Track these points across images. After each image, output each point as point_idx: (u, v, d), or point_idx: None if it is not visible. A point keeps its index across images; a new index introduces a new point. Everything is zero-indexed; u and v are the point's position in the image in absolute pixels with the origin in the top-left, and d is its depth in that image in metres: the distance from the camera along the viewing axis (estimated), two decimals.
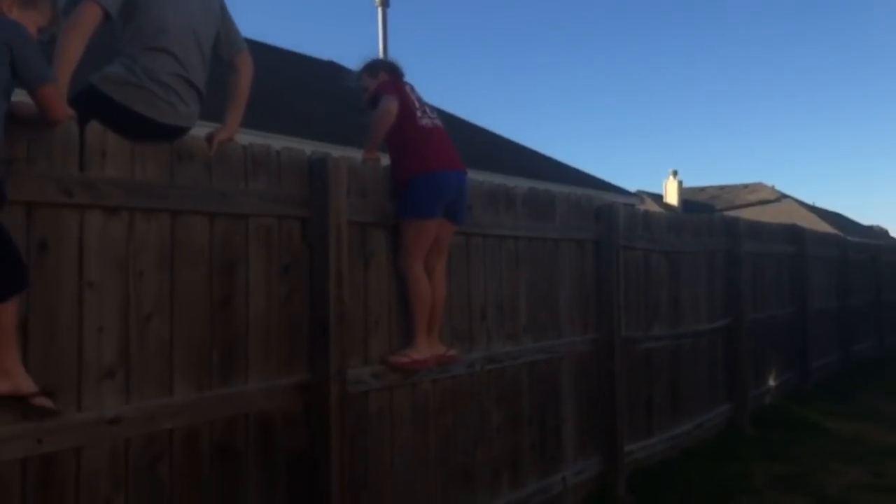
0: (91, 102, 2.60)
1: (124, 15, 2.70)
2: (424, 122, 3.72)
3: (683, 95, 77.18)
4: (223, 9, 3.08)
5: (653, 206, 29.25)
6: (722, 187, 36.33)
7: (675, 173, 34.49)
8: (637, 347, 5.55)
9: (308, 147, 6.83)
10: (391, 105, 3.57)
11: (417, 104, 3.75)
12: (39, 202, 2.32)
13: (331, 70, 14.14)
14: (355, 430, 3.32)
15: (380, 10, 14.22)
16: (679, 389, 6.16)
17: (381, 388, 3.49)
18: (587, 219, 5.10)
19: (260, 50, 12.28)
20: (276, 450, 3.03)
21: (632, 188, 25.22)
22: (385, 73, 3.86)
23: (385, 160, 3.73)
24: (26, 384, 2.22)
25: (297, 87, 10.69)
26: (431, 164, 3.63)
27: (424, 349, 3.62)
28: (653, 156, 79.66)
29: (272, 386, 3.00)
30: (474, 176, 9.31)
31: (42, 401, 2.26)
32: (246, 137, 3.22)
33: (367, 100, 3.84)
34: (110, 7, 2.60)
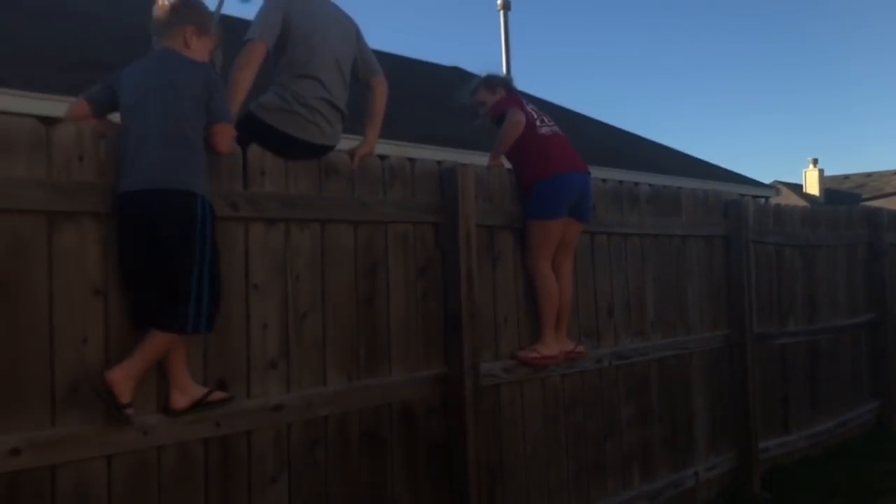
0: (250, 127, 2.95)
1: (278, 48, 3.05)
2: (544, 130, 3.89)
3: (821, 80, 72.73)
4: (359, 35, 3.38)
5: (791, 197, 27.90)
6: (868, 174, 34.03)
7: (815, 162, 32.76)
8: (771, 343, 5.45)
9: (435, 154, 7.17)
10: (519, 117, 3.77)
11: (535, 115, 3.92)
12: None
13: (455, 76, 14.51)
14: (489, 420, 3.53)
15: (501, 13, 14.44)
16: (818, 386, 5.98)
17: (511, 382, 3.68)
18: (715, 215, 5.08)
19: (386, 60, 12.82)
20: (417, 437, 3.29)
21: (768, 179, 24.20)
22: (502, 89, 4.04)
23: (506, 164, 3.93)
24: (198, 390, 2.58)
25: (423, 95, 11.07)
26: (554, 168, 3.79)
27: (553, 345, 3.78)
28: (791, 145, 75.58)
29: (413, 378, 3.27)
30: (601, 173, 9.38)
31: (216, 395, 2.62)
32: (378, 147, 3.50)
33: (483, 113, 4.04)
34: (271, 44, 2.97)
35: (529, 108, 3.95)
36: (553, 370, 3.85)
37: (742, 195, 11.21)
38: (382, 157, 3.33)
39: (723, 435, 4.99)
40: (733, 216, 5.12)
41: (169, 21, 2.65)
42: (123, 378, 2.37)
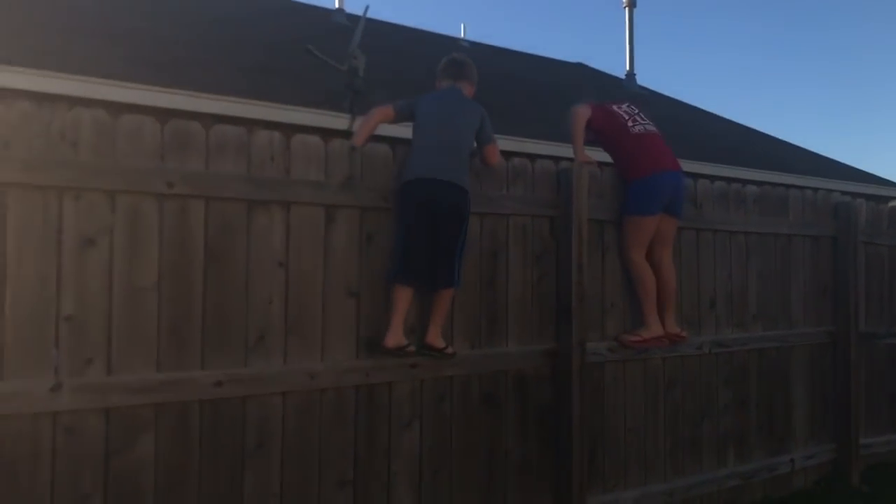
0: None
1: None
2: (636, 129, 4.23)
3: None
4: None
5: None
6: None
7: None
8: (878, 342, 5.58)
9: (556, 150, 7.58)
10: (580, 109, 4.23)
11: (626, 115, 4.27)
12: (369, 206, 3.29)
13: (580, 72, 14.79)
14: (594, 392, 3.99)
15: (627, 10, 14.59)
16: None
17: (615, 361, 4.12)
18: (824, 215, 5.29)
19: (513, 58, 13.30)
20: (528, 402, 3.80)
21: None
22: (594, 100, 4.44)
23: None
24: (437, 341, 3.41)
25: (547, 91, 11.48)
26: (647, 168, 4.13)
27: (655, 328, 4.18)
28: None
29: (526, 350, 3.78)
30: (721, 171, 9.50)
31: (450, 349, 3.45)
32: (502, 143, 3.99)
33: None
34: None
35: (622, 111, 4.30)
36: (654, 352, 4.25)
37: (867, 195, 11.00)
38: (507, 157, 3.84)
39: (823, 427, 5.21)
40: (843, 217, 5.31)
41: (460, 73, 3.76)
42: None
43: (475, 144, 3.58)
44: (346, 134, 6.67)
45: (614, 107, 4.35)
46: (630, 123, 4.25)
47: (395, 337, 3.27)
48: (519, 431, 3.77)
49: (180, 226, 2.86)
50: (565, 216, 3.89)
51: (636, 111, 4.36)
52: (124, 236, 2.76)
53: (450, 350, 3.45)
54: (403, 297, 3.28)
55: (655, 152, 4.21)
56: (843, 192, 9.43)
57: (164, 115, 5.35)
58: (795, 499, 4.89)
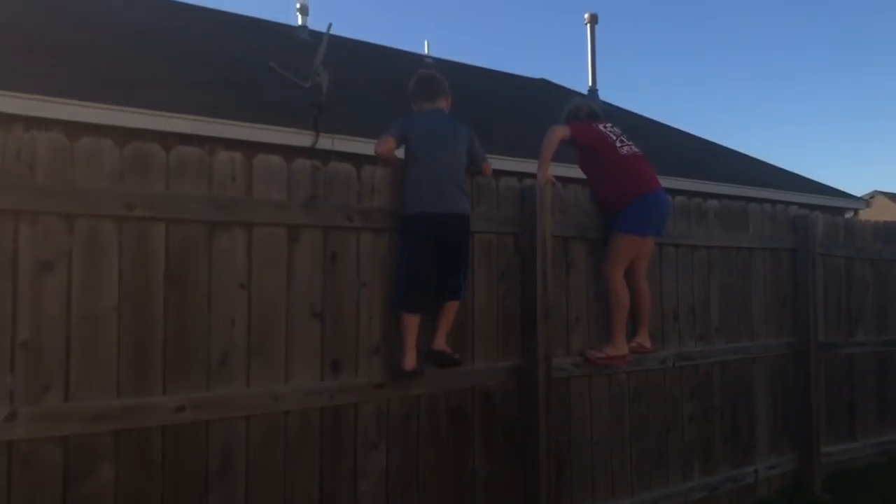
0: None
1: None
2: (624, 150, 4.26)
3: None
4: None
5: (890, 208, 26.93)
6: None
7: None
8: (837, 353, 5.70)
9: (521, 165, 7.63)
10: (558, 130, 4.16)
11: (614, 136, 4.29)
12: (332, 226, 3.27)
13: (543, 88, 14.94)
14: (559, 408, 4.01)
15: (588, 27, 14.79)
16: (888, 396, 6.15)
17: (581, 376, 4.15)
18: (783, 228, 5.39)
19: (476, 74, 13.38)
20: (495, 418, 3.80)
21: (868, 189, 23.46)
22: (574, 119, 4.41)
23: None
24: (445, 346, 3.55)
25: (511, 107, 11.57)
26: (644, 188, 4.19)
27: (620, 347, 4.22)
28: (893, 154, 71.91)
29: (493, 367, 3.79)
30: (684, 185, 9.66)
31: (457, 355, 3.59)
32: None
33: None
34: None
35: (609, 129, 4.32)
36: (619, 367, 4.28)
37: (827, 207, 11.24)
38: (472, 175, 3.85)
39: (785, 437, 5.29)
40: (801, 230, 5.42)
41: (436, 91, 3.80)
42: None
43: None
44: (310, 152, 6.66)
45: (601, 126, 4.35)
46: (618, 144, 4.27)
47: (412, 360, 3.40)
48: (486, 448, 3.77)
49: (140, 248, 2.82)
50: (530, 233, 3.91)
51: (620, 132, 4.39)
52: (83, 260, 2.71)
53: (457, 355, 3.58)
54: (413, 323, 3.42)
55: (648, 173, 4.28)
56: (803, 205, 9.65)
57: (123, 134, 5.30)
58: None
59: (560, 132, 4.19)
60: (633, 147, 4.35)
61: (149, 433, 2.80)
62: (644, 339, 4.35)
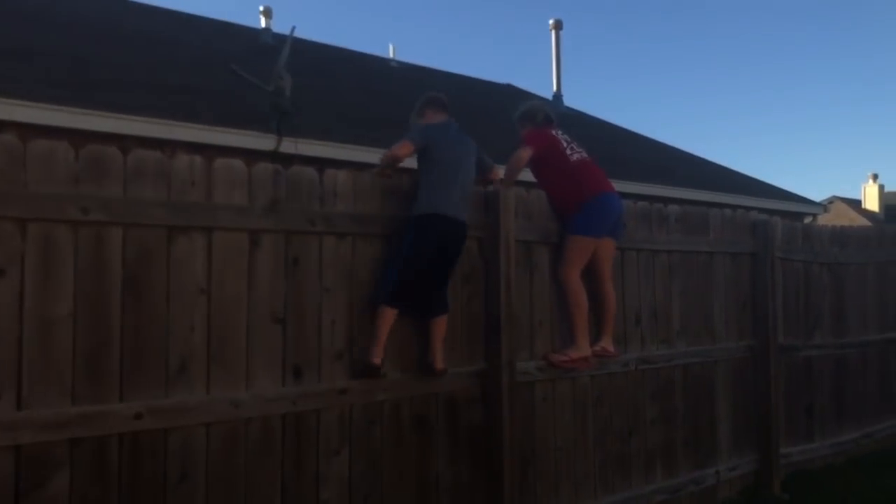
0: None
1: None
2: (574, 157, 4.35)
3: (882, 93, 70.81)
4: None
5: (849, 214, 27.56)
6: None
7: (875, 177, 32.23)
8: (796, 355, 5.80)
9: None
10: (523, 153, 4.28)
11: (565, 143, 4.38)
12: (294, 230, 3.24)
13: (509, 93, 15.01)
14: (524, 412, 4.01)
15: (553, 33, 14.91)
16: (845, 398, 6.28)
17: (544, 380, 4.16)
18: (743, 233, 5.48)
19: (442, 79, 13.39)
20: (459, 424, 3.80)
21: (826, 195, 23.99)
22: (529, 123, 4.53)
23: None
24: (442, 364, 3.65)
25: (478, 112, 11.60)
26: (594, 189, 4.27)
27: (584, 349, 4.24)
28: (851, 160, 73.72)
29: (457, 372, 3.78)
30: (646, 190, 9.76)
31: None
32: None
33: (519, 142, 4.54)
34: None
35: (560, 136, 4.40)
36: (582, 371, 4.30)
37: (787, 212, 11.46)
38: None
39: (745, 438, 5.36)
40: (760, 234, 5.51)
41: (445, 106, 4.03)
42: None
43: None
44: (273, 156, 6.60)
45: (552, 132, 4.43)
46: (569, 151, 4.37)
47: (380, 354, 3.43)
48: (450, 454, 3.76)
49: (96, 253, 2.77)
50: (493, 237, 3.92)
51: (569, 139, 4.48)
52: (36, 265, 2.65)
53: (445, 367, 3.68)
54: (390, 318, 3.44)
55: (598, 176, 4.37)
56: (763, 210, 9.78)
57: (81, 137, 5.19)
58: None
59: (525, 155, 4.28)
60: (583, 154, 4.44)
61: (105, 441, 2.74)
62: (607, 344, 4.38)
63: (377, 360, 3.41)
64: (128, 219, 2.82)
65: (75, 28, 9.02)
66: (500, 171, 4.12)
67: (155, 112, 6.40)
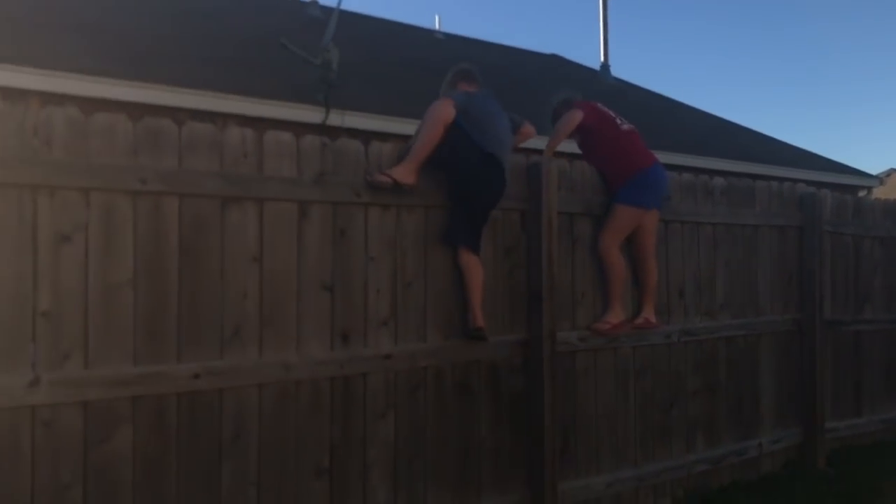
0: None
1: None
2: (625, 127, 4.41)
3: None
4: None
5: None
6: None
7: None
8: (843, 330, 5.74)
9: (532, 142, 7.64)
10: (575, 115, 4.32)
11: (613, 114, 4.44)
12: (341, 201, 3.34)
13: (554, 63, 14.88)
14: (565, 381, 4.08)
15: (601, 2, 14.68)
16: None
17: (586, 350, 4.22)
18: (790, 206, 5.41)
19: (487, 50, 13.34)
20: (501, 391, 3.88)
21: (884, 167, 23.22)
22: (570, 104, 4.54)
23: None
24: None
25: (522, 83, 11.54)
26: (645, 161, 4.33)
27: (620, 314, 4.28)
28: None
29: (499, 341, 3.86)
30: (695, 162, 9.62)
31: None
32: None
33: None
34: None
35: (608, 109, 4.45)
36: (624, 341, 4.35)
37: (840, 185, 11.20)
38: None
39: (789, 412, 5.35)
40: (808, 208, 5.44)
41: (477, 78, 4.14)
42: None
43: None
44: (320, 128, 6.72)
45: (599, 105, 4.51)
46: (619, 121, 4.43)
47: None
48: (492, 420, 3.85)
49: (154, 222, 2.90)
50: (535, 209, 3.97)
51: (614, 111, 4.53)
52: (99, 233, 2.79)
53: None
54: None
55: (644, 148, 4.43)
56: (813, 182, 9.59)
57: (136, 109, 5.37)
58: (763, 482, 5.03)
59: (577, 117, 4.32)
60: (631, 125, 4.48)
61: (164, 399, 2.90)
62: (650, 314, 4.42)
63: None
64: (183, 189, 2.95)
65: (126, 2, 9.22)
66: (531, 128, 4.16)
67: (206, 85, 6.56)
